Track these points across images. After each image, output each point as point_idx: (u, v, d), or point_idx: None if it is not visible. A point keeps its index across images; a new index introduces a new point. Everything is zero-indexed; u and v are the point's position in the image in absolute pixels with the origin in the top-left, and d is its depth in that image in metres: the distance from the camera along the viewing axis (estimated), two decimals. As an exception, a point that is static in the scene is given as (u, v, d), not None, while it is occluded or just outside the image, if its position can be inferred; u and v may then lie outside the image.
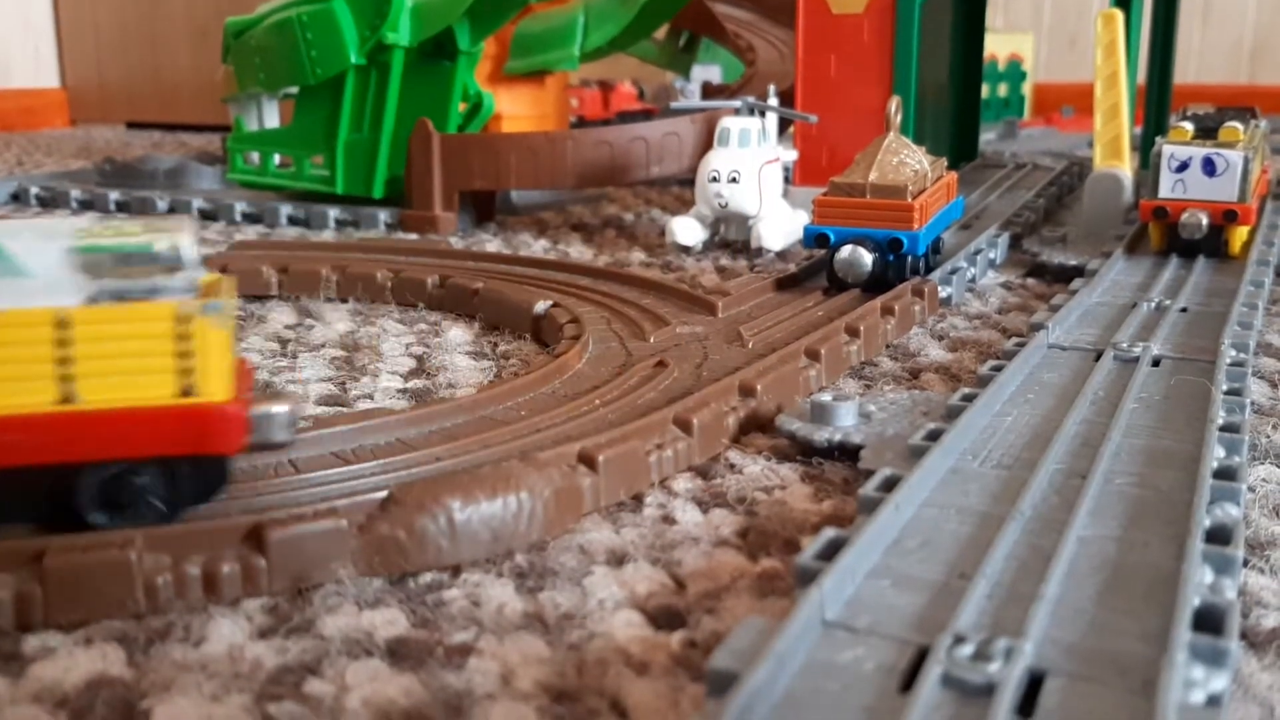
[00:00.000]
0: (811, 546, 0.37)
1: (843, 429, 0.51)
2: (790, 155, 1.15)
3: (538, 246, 1.11)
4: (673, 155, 1.20)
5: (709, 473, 0.50)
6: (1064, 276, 0.89)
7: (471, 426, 0.52)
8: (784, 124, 1.16)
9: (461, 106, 1.26)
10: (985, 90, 2.40)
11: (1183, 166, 0.86)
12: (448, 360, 0.69)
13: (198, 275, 0.39)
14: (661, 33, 1.77)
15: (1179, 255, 0.87)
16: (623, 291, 0.81)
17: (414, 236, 1.16)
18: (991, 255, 0.93)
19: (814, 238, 0.80)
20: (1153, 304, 0.74)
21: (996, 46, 2.42)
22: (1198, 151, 0.86)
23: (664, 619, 0.38)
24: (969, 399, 0.53)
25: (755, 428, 0.55)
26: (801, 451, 0.52)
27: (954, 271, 0.84)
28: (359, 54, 1.21)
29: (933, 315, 0.79)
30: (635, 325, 0.71)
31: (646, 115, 2.57)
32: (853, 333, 0.68)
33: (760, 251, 1.01)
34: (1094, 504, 0.43)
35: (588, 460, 0.46)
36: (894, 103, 0.84)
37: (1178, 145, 0.86)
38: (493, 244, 1.12)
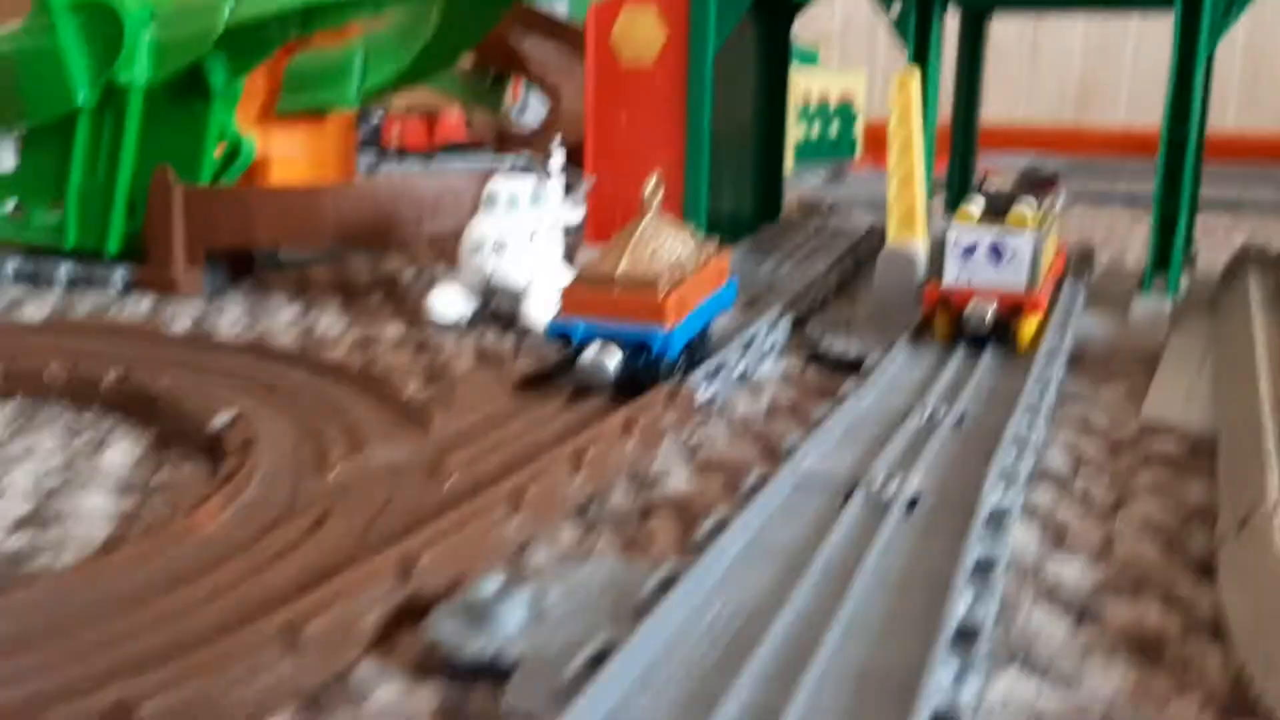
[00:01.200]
0: None
1: (500, 638, 0.41)
2: (574, 215, 1.05)
3: (284, 316, 0.98)
4: (448, 212, 1.09)
5: (320, 702, 0.40)
6: (845, 367, 0.81)
7: None
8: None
9: (219, 151, 1.13)
10: (816, 130, 2.36)
11: (969, 251, 0.79)
12: (78, 502, 0.57)
13: None
14: (466, 66, 1.66)
15: (966, 345, 0.80)
16: (333, 394, 0.69)
17: (147, 301, 1.02)
18: (769, 343, 0.84)
19: (557, 333, 0.70)
20: (926, 414, 0.67)
21: (828, 85, 2.37)
22: (984, 236, 0.78)
23: None
24: (666, 584, 0.44)
25: (418, 616, 0.45)
26: (453, 669, 0.41)
27: (719, 369, 0.75)
28: (89, 94, 1.07)
29: (689, 424, 0.70)
30: (323, 449, 0.59)
31: (474, 148, 2.47)
32: (577, 462, 0.58)
33: (529, 331, 0.91)
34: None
35: (123, 716, 0.35)
36: (651, 180, 0.74)
37: (964, 228, 0.79)
38: (234, 312, 0.99)
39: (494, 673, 0.40)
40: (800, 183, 1.97)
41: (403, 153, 2.38)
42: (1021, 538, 0.54)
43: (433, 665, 0.42)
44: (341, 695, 0.40)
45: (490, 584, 0.43)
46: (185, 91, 1.10)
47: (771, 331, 0.85)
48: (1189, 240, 1.10)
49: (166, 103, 1.10)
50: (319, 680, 0.40)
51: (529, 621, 0.42)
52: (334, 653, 0.41)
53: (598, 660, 0.38)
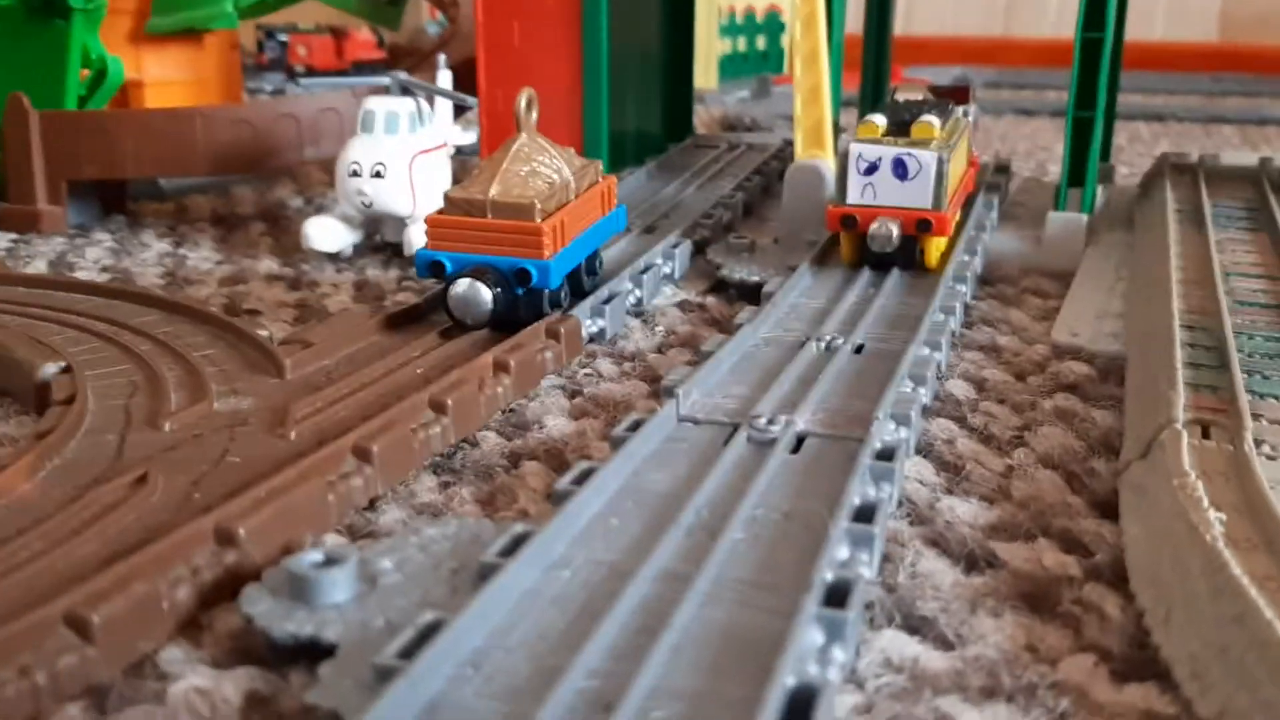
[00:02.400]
0: None
1: (321, 613, 0.36)
2: (465, 138, 0.99)
3: (155, 250, 0.92)
4: (331, 135, 1.03)
5: (111, 699, 0.35)
6: (747, 294, 0.77)
7: None
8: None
9: (83, 74, 1.04)
10: (742, 44, 2.29)
11: (872, 168, 0.74)
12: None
13: None
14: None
15: (871, 268, 0.76)
16: (187, 336, 0.64)
17: (6, 239, 0.95)
18: (667, 269, 0.80)
19: (427, 266, 0.65)
20: (824, 343, 0.62)
21: (753, -3, 2.30)
22: (888, 152, 0.74)
23: None
24: (516, 544, 0.39)
25: (239, 588, 0.40)
26: (273, 647, 0.37)
27: (610, 299, 0.70)
28: (-67, 11, 0.98)
29: (575, 359, 0.65)
30: (161, 398, 0.54)
31: (387, 66, 2.36)
32: (440, 407, 0.53)
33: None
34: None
35: None
36: (524, 96, 0.69)
37: (866, 144, 0.74)
38: (98, 249, 0.92)
39: (315, 654, 0.35)
40: (724, 98, 1.91)
41: (311, 72, 2.28)
42: (915, 476, 0.51)
43: (247, 648, 0.37)
44: (138, 687, 0.35)
45: (315, 552, 0.38)
46: (42, 10, 1.01)
47: (669, 258, 0.81)
48: (1106, 152, 1.07)
49: (22, 22, 1.02)
50: (112, 671, 0.36)
51: (356, 594, 0.37)
52: (132, 639, 0.36)
53: (423, 639, 0.33)
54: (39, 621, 0.35)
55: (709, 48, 2.06)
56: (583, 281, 0.70)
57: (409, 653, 0.33)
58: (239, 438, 0.50)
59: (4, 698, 0.33)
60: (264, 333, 0.63)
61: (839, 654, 0.35)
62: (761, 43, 2.35)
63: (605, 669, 0.33)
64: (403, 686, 0.31)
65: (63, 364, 0.58)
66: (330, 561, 0.38)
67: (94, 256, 0.90)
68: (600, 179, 0.72)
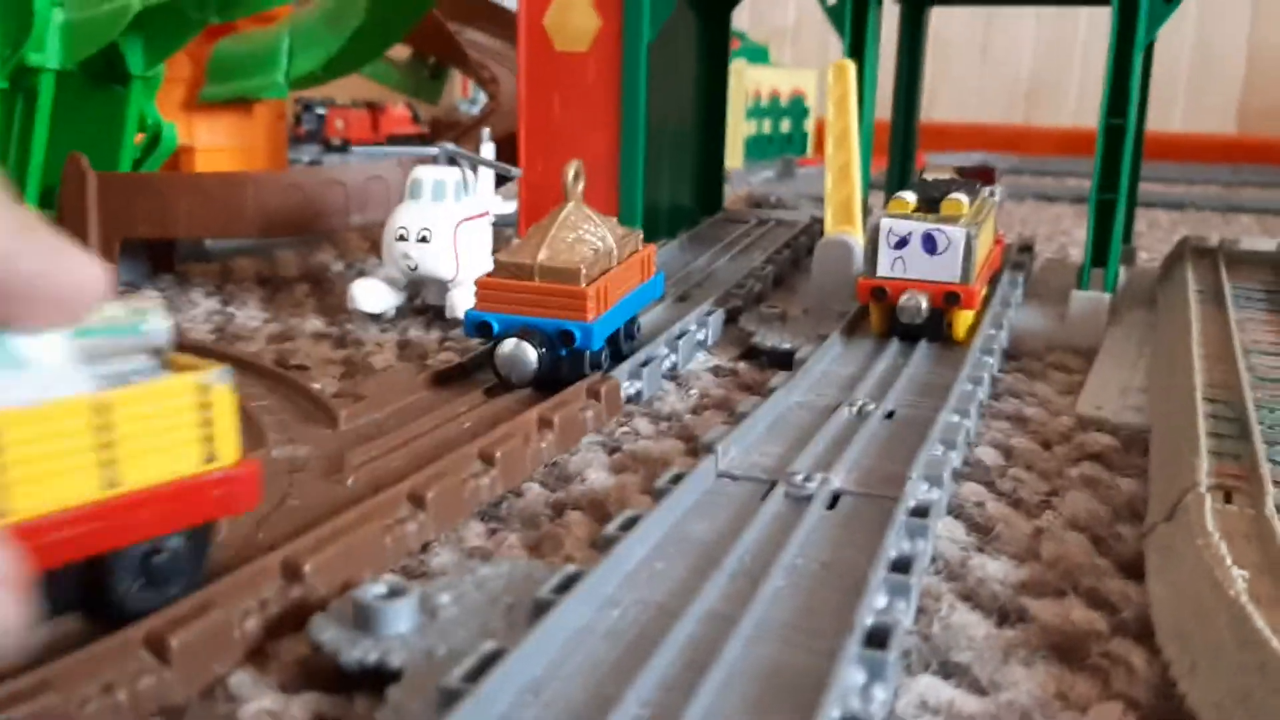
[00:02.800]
0: None
1: (385, 642, 0.38)
2: (506, 207, 1.02)
3: (204, 307, 0.95)
4: (377, 202, 1.06)
5: (186, 717, 0.37)
6: (778, 361, 0.79)
7: None
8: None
9: (138, 138, 1.09)
10: (767, 126, 2.34)
11: (902, 243, 0.77)
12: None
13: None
14: (404, 56, 1.63)
15: (900, 339, 0.78)
16: (242, 387, 0.66)
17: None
18: (700, 336, 0.82)
19: (475, 326, 0.67)
20: (855, 408, 0.65)
21: (779, 82, 2.36)
22: (918, 227, 0.77)
23: None
24: (568, 582, 0.41)
25: (304, 620, 0.42)
26: (337, 674, 0.39)
27: (647, 362, 0.73)
28: (-1, 76, 1.02)
29: (614, 418, 0.68)
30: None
31: (421, 140, 2.43)
32: (488, 459, 0.56)
33: (457, 323, 0.88)
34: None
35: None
36: (572, 168, 0.72)
37: (897, 219, 0.77)
38: (150, 305, 0.95)
39: (378, 680, 0.37)
40: (749, 178, 1.95)
41: (347, 145, 2.34)
42: (946, 535, 0.52)
43: (313, 674, 0.39)
44: (211, 709, 0.37)
45: (379, 585, 0.40)
46: (103, 76, 1.06)
47: (703, 325, 0.83)
48: (1128, 234, 1.10)
49: (82, 87, 1.06)
50: (187, 693, 0.37)
51: (417, 625, 0.39)
52: (206, 663, 0.38)
53: (485, 666, 0.35)
54: (122, 643, 0.37)
55: (736, 128, 2.12)
56: (621, 345, 0.73)
57: (473, 677, 0.35)
58: (297, 483, 0.53)
59: (87, 714, 0.35)
60: (316, 386, 0.66)
61: (880, 693, 0.36)
62: (786, 126, 2.41)
63: (656, 699, 0.35)
64: (469, 707, 0.33)
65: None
66: (393, 593, 0.40)
67: (145, 312, 0.93)
68: (640, 247, 0.75)
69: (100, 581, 0.38)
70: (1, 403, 0.34)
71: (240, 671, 0.39)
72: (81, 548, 0.37)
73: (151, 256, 1.07)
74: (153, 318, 0.40)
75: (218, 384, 0.40)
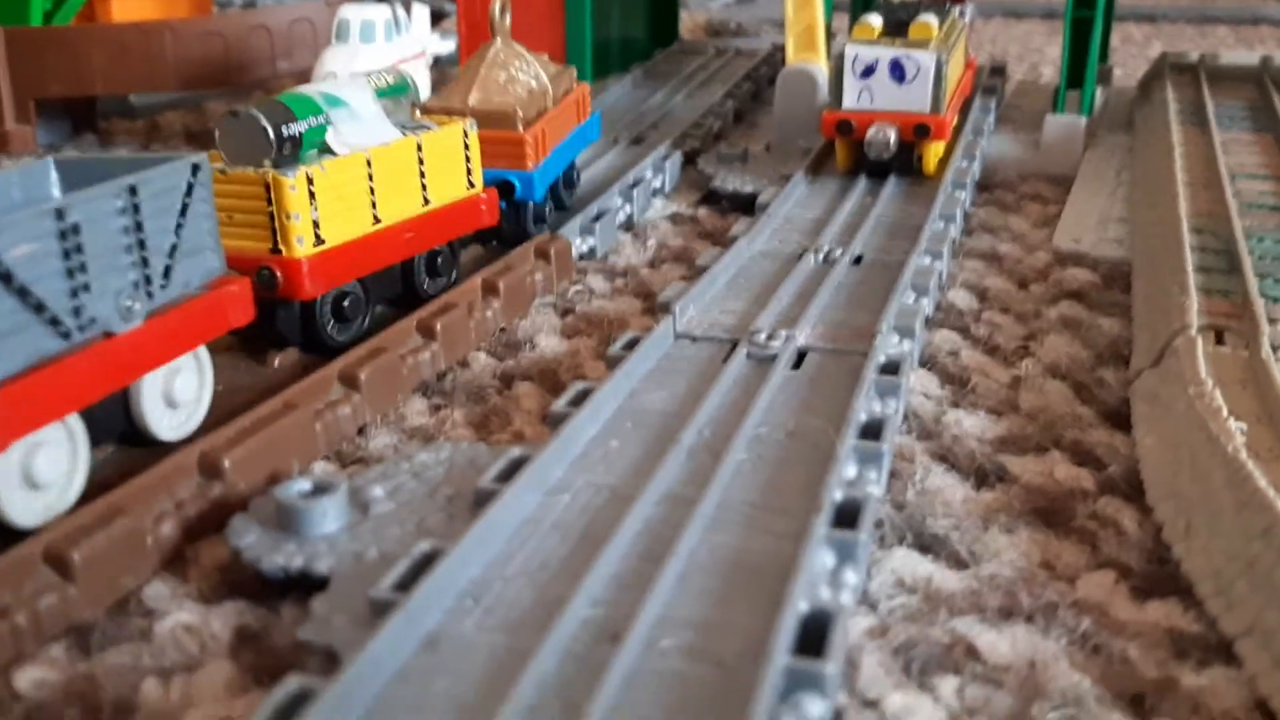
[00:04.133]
0: None
1: (312, 545, 0.35)
2: (444, 46, 0.95)
3: (127, 172, 0.89)
4: (305, 47, 0.99)
5: (95, 638, 0.33)
6: (740, 205, 0.75)
7: None
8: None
9: (46, -12, 1.00)
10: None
11: (868, 71, 0.72)
12: None
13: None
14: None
15: (868, 176, 0.73)
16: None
17: (-28, 161, 0.92)
18: (657, 183, 0.77)
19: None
20: (821, 255, 0.61)
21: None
22: (885, 53, 0.71)
23: None
24: (513, 468, 0.38)
25: (225, 520, 0.38)
26: (260, 580, 0.35)
27: (600, 216, 0.68)
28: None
29: (565, 278, 0.63)
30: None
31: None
32: (428, 332, 0.52)
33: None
34: (619, 691, 0.28)
35: None
36: (498, 1, 0.65)
37: (862, 45, 0.72)
38: (68, 171, 0.89)
39: (305, 586, 0.34)
40: (708, 3, 1.86)
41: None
42: (919, 389, 0.49)
43: (235, 581, 0.36)
44: (123, 625, 0.34)
45: (303, 481, 0.37)
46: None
47: (659, 170, 0.78)
48: (1105, 53, 1.04)
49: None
50: (95, 610, 0.34)
51: (347, 524, 0.36)
52: (115, 576, 0.35)
53: (420, 571, 0.32)
54: (18, 561, 0.33)
55: (692, -49, 2.00)
56: (561, 195, 0.68)
57: (405, 585, 0.31)
58: (218, 366, 0.48)
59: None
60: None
61: (851, 576, 0.33)
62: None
63: (610, 598, 0.32)
64: (400, 620, 0.30)
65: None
66: (319, 490, 0.36)
67: (64, 178, 0.86)
68: (575, 86, 0.69)
69: (408, 276, 0.54)
70: (368, 143, 0.49)
71: (156, 581, 0.36)
72: (414, 247, 0.53)
73: (72, 115, 1.00)
74: (409, 80, 0.54)
75: (471, 129, 0.55)
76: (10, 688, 0.31)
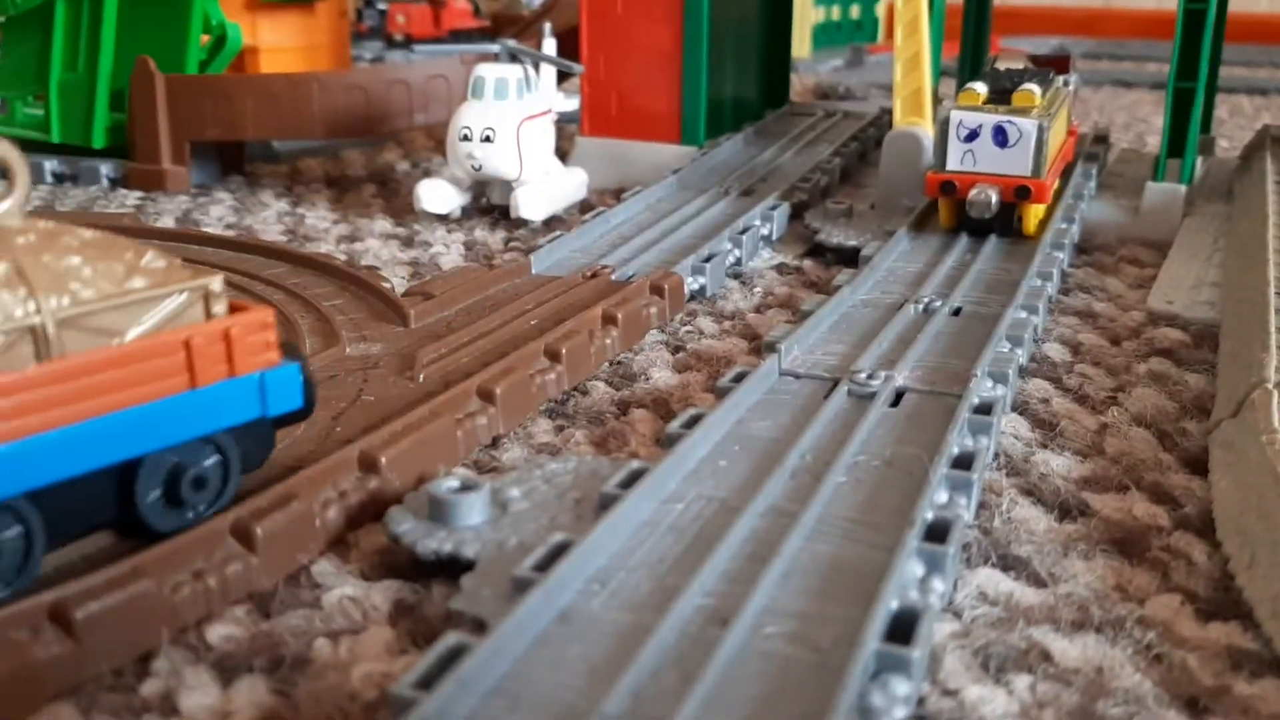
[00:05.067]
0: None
1: (459, 533, 0.40)
2: (568, 105, 1.02)
3: (274, 209, 0.96)
4: (440, 101, 1.06)
5: (273, 603, 0.39)
6: (844, 258, 0.79)
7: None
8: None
9: (204, 40, 1.09)
10: (836, 13, 2.29)
11: (972, 135, 0.76)
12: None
13: None
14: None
15: (969, 234, 0.77)
16: (315, 286, 0.68)
17: (134, 196, 1.00)
18: (765, 231, 0.82)
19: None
20: (921, 305, 0.64)
21: (847, -36, 2.29)
22: (988, 119, 0.75)
23: None
24: (633, 478, 0.42)
25: (382, 511, 0.43)
26: (413, 562, 0.40)
27: (710, 257, 0.73)
28: (63, -21, 1.03)
29: (677, 314, 0.68)
30: (297, 344, 0.58)
31: (483, 34, 2.40)
32: (554, 355, 0.57)
33: (522, 222, 0.88)
34: (727, 666, 0.32)
35: (61, 620, 0.34)
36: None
37: (967, 111, 0.76)
38: (221, 206, 0.97)
39: (454, 569, 0.39)
40: (817, 67, 1.91)
41: (409, 40, 2.33)
42: (1010, 431, 0.53)
43: (391, 563, 0.41)
44: (295, 595, 0.39)
45: (452, 480, 0.42)
46: (167, -22, 1.06)
47: (767, 220, 0.83)
48: (1207, 123, 1.06)
49: (147, -10, 1.07)
50: (273, 580, 0.39)
51: (489, 518, 0.41)
52: (289, 552, 0.40)
53: (554, 557, 0.37)
54: (209, 533, 0.39)
55: (803, 16, 2.07)
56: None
57: (543, 567, 0.36)
58: (371, 379, 0.54)
59: (180, 599, 0.37)
60: (387, 285, 0.67)
61: (938, 584, 0.37)
62: (855, 12, 2.34)
63: (720, 590, 0.36)
64: (539, 595, 0.34)
65: (205, 310, 0.62)
66: (466, 488, 0.41)
67: (217, 214, 0.94)
68: (214, 314, 0.40)
69: None
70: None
71: (323, 560, 0.41)
72: None
73: (222, 158, 1.09)
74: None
75: None
76: (203, 639, 0.37)
